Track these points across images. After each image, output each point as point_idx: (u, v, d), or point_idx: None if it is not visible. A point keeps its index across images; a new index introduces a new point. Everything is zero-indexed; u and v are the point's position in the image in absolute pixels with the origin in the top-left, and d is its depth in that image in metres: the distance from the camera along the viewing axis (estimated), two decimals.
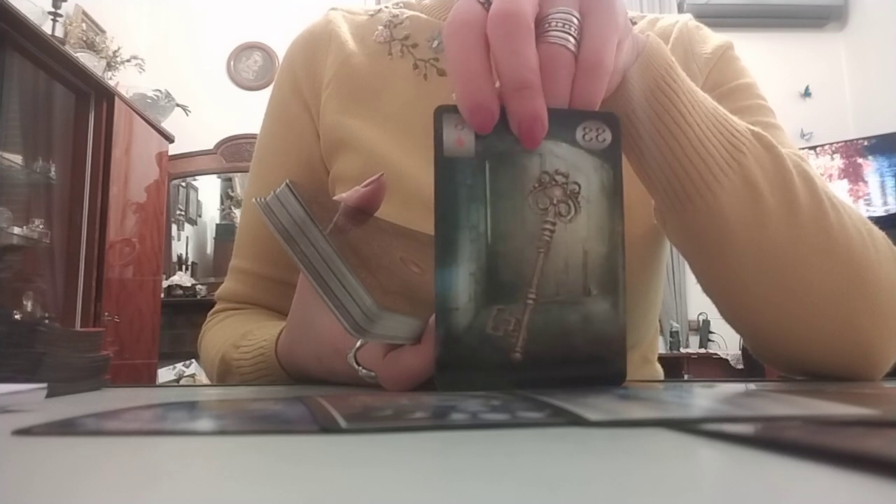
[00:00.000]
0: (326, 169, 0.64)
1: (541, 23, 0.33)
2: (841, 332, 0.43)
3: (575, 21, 0.33)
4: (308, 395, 0.30)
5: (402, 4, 0.68)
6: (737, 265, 0.43)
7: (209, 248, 4.03)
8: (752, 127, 0.43)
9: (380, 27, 0.66)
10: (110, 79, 2.93)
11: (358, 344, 0.39)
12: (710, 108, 0.42)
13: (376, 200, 0.41)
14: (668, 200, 0.43)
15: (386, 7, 0.69)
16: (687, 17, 0.67)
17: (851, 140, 3.58)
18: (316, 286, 0.33)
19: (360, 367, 0.39)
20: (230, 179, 4.06)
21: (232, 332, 0.58)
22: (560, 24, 0.33)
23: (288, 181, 0.36)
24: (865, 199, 3.46)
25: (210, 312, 0.67)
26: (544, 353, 0.33)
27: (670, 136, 0.40)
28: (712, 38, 0.64)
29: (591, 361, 0.34)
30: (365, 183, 0.41)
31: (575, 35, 0.33)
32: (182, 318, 3.41)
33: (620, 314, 0.34)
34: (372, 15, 0.68)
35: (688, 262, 0.46)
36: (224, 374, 0.56)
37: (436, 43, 0.64)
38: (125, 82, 3.09)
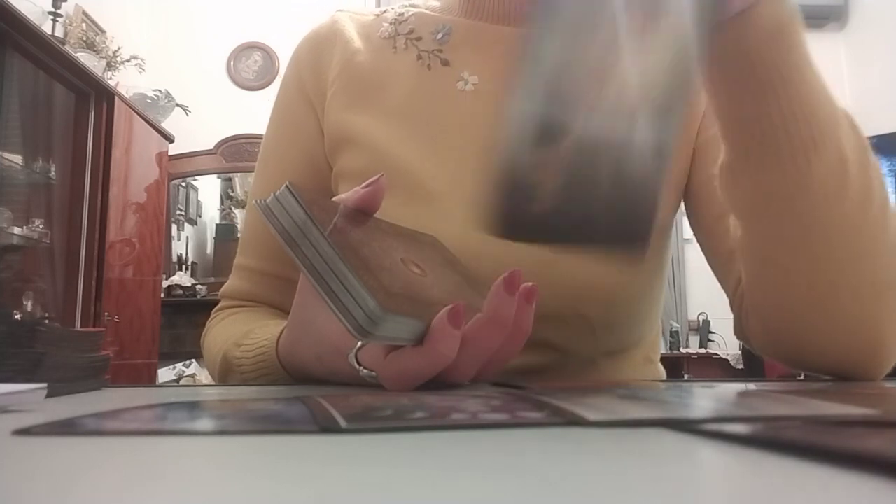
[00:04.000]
0: (330, 167, 0.64)
1: None
2: (862, 326, 0.44)
3: None
4: (308, 395, 0.30)
5: (408, 4, 0.69)
6: (800, 235, 0.43)
7: (209, 248, 4.02)
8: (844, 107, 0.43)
9: (385, 24, 0.67)
10: (110, 79, 2.93)
11: (359, 344, 0.39)
12: (818, 74, 0.41)
13: (376, 201, 0.41)
14: (754, 158, 0.42)
15: (392, 8, 0.69)
16: None
17: None
18: (318, 288, 0.33)
19: (361, 367, 0.39)
20: (230, 179, 4.06)
21: (235, 331, 0.58)
22: None
23: (288, 183, 0.36)
24: None
25: (214, 310, 0.67)
26: (572, 207, 0.32)
27: (786, 90, 0.39)
28: None
29: (617, 226, 0.33)
30: (364, 184, 0.41)
31: None
32: (182, 318, 3.41)
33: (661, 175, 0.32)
34: (378, 15, 0.69)
35: (742, 224, 0.46)
36: (226, 373, 0.56)
37: (440, 35, 0.64)
38: (125, 82, 3.09)
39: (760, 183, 0.43)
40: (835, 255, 0.42)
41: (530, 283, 0.38)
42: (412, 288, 0.37)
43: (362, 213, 0.41)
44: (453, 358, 0.36)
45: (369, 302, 0.32)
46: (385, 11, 0.69)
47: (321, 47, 0.67)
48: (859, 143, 0.42)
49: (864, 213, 0.42)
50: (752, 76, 0.40)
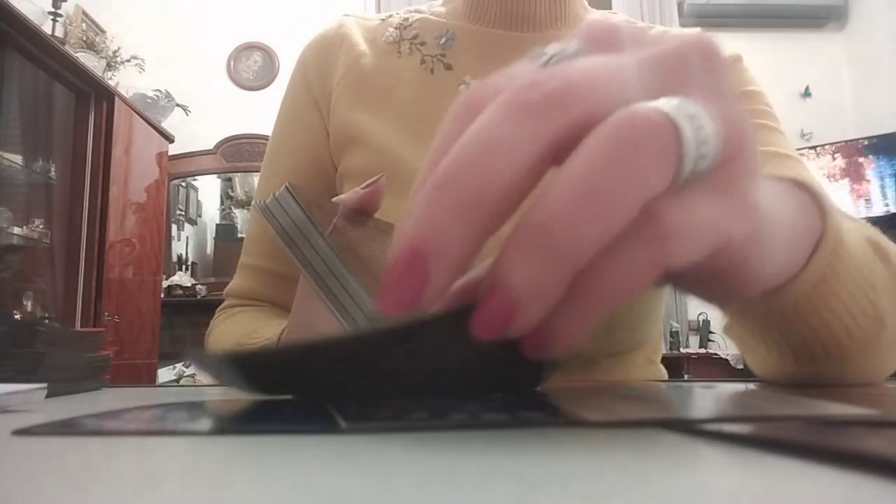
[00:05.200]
0: (335, 167, 0.65)
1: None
2: (874, 369, 0.41)
3: (702, 117, 0.20)
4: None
5: (413, 10, 0.70)
6: (827, 371, 0.38)
7: (209, 248, 4.02)
8: (867, 233, 0.38)
9: (390, 29, 0.68)
10: (110, 79, 2.93)
11: None
12: (861, 254, 0.35)
13: (375, 202, 0.41)
14: (785, 361, 0.38)
15: (397, 13, 0.70)
16: (697, 31, 0.67)
17: (851, 140, 3.58)
18: (317, 289, 0.33)
19: None
20: (230, 179, 4.06)
21: (238, 330, 0.58)
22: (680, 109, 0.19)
23: (287, 184, 0.36)
24: (866, 200, 3.46)
25: (218, 309, 0.68)
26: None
27: (817, 319, 0.34)
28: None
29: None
30: (364, 185, 0.41)
31: (712, 147, 0.20)
32: (182, 318, 3.41)
33: None
34: (383, 20, 0.70)
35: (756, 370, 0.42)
36: None
37: (443, 40, 0.65)
38: (125, 82, 3.09)
39: (782, 372, 0.39)
40: (854, 369, 0.38)
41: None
42: None
43: (362, 213, 0.41)
44: None
45: (368, 303, 0.32)
46: (390, 16, 0.70)
47: (327, 50, 0.68)
48: (892, 280, 0.37)
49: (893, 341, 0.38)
50: (789, 326, 0.35)
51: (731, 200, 0.20)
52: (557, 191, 0.18)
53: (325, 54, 0.68)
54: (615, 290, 0.20)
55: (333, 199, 0.41)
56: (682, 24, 3.44)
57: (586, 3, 0.71)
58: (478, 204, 0.18)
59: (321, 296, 0.33)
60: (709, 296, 0.26)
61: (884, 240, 0.40)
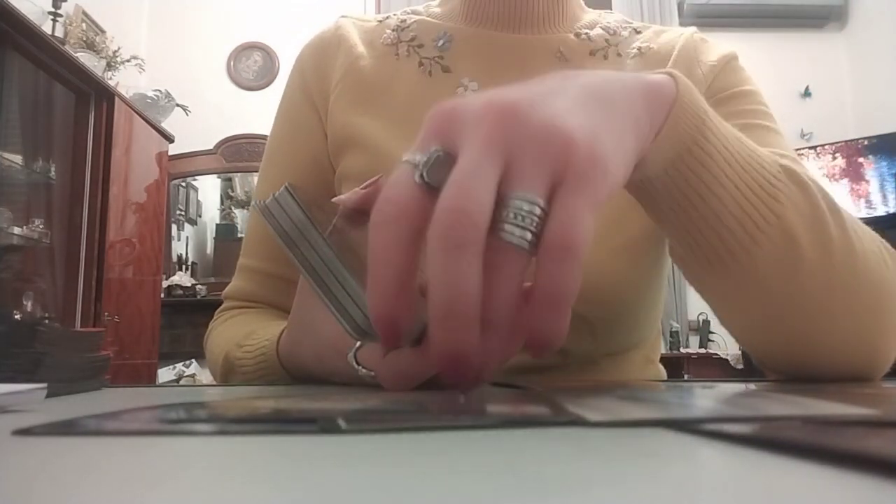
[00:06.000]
0: (333, 169, 0.65)
1: (498, 208, 0.26)
2: (853, 346, 0.44)
3: (537, 211, 0.26)
4: (308, 394, 0.30)
5: (410, 11, 0.70)
6: (767, 314, 0.42)
7: (209, 248, 4.02)
8: (780, 160, 0.41)
9: (388, 31, 0.68)
10: (110, 79, 2.93)
11: (358, 344, 0.40)
12: (745, 156, 0.38)
13: (374, 202, 0.41)
14: (698, 264, 0.41)
15: (394, 14, 0.70)
16: (692, 30, 0.68)
17: (851, 140, 3.58)
18: (317, 289, 0.33)
19: (360, 367, 0.39)
20: (230, 179, 4.06)
21: (237, 331, 0.58)
22: (517, 216, 0.26)
23: (287, 184, 0.36)
24: (866, 200, 3.46)
25: (217, 311, 0.68)
26: None
27: (703, 204, 0.37)
28: (717, 49, 0.65)
29: None
30: (363, 185, 0.41)
31: (534, 229, 0.26)
32: (182, 318, 3.40)
33: None
34: (381, 21, 0.70)
35: (712, 309, 0.45)
36: (227, 373, 0.57)
37: (441, 42, 0.65)
38: (125, 82, 3.09)
39: (715, 281, 0.42)
40: (804, 315, 0.42)
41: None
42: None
43: (361, 213, 0.41)
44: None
45: (367, 304, 0.32)
46: (387, 17, 0.70)
47: (325, 52, 0.68)
48: (809, 203, 0.40)
49: (828, 269, 0.40)
50: (667, 207, 0.38)
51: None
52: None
53: (323, 56, 0.67)
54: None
55: (333, 200, 0.41)
56: (682, 24, 3.43)
57: (583, 3, 0.71)
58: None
59: (321, 296, 0.33)
60: None
61: (805, 172, 0.42)
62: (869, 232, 0.46)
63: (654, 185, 0.37)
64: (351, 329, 0.33)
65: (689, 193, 0.37)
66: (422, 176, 0.28)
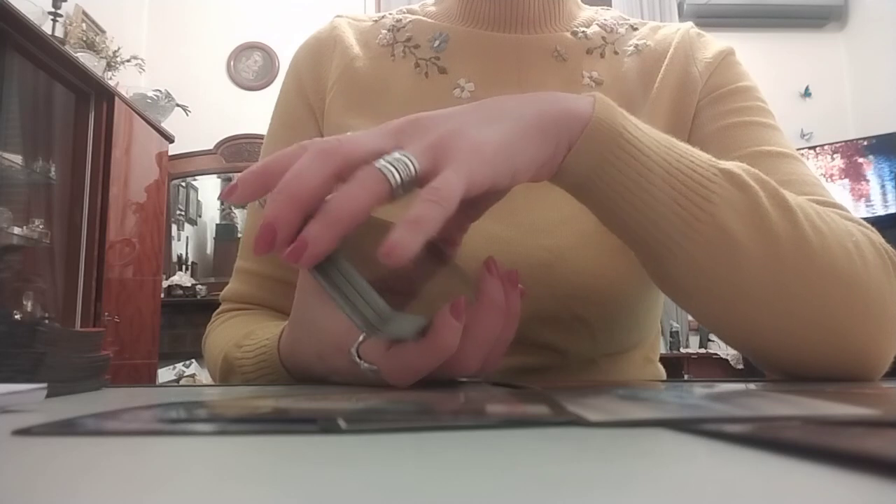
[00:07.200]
0: None
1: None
2: (835, 343, 0.44)
3: (409, 164, 0.32)
4: (308, 394, 0.30)
5: (405, 10, 0.69)
6: (722, 305, 0.43)
7: (209, 248, 4.02)
8: (723, 166, 0.42)
9: (383, 31, 0.67)
10: (110, 79, 2.93)
11: (361, 338, 0.40)
12: (674, 162, 0.41)
13: None
14: (643, 256, 0.44)
15: (390, 13, 0.70)
16: (689, 25, 0.67)
17: (851, 140, 3.58)
18: (326, 286, 0.34)
19: (363, 362, 0.40)
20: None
21: (235, 332, 0.58)
22: (390, 160, 0.32)
23: None
24: (866, 200, 3.46)
25: (215, 313, 0.67)
26: None
27: (630, 205, 0.40)
28: (714, 45, 0.65)
29: None
30: None
31: (401, 173, 0.32)
32: (182, 318, 3.40)
33: None
34: (376, 21, 0.69)
35: (676, 304, 0.47)
36: (227, 374, 0.56)
37: (437, 43, 0.65)
38: (125, 82, 3.09)
39: (662, 272, 0.44)
40: (759, 308, 0.43)
41: (513, 270, 0.42)
42: (413, 284, 0.37)
43: None
44: (454, 350, 0.37)
45: (378, 301, 0.32)
46: (383, 17, 0.70)
47: (321, 52, 0.67)
48: (748, 203, 0.42)
49: (775, 262, 0.41)
50: (602, 208, 0.42)
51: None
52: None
53: (319, 56, 0.67)
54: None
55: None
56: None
57: (580, 1, 0.70)
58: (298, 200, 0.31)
59: (330, 293, 0.34)
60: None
61: (754, 173, 0.44)
62: (844, 230, 0.45)
63: (587, 189, 0.41)
64: (362, 324, 0.33)
65: (616, 197, 0.40)
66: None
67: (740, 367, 3.26)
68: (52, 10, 2.75)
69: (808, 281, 0.42)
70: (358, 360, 0.40)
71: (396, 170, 0.32)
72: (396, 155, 0.32)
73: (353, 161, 0.32)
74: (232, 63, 3.89)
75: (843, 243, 0.44)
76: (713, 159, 0.43)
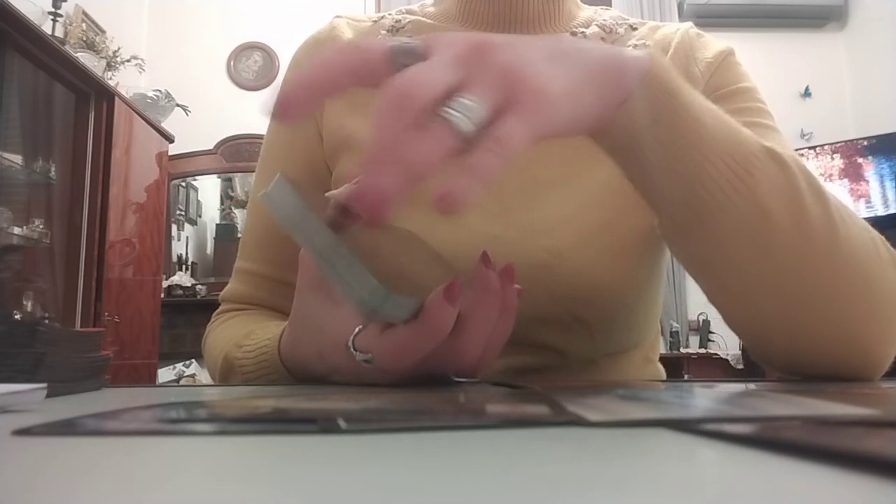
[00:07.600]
0: (329, 171, 0.65)
1: (445, 102, 0.30)
2: (844, 337, 0.44)
3: (478, 109, 0.30)
4: (308, 394, 0.30)
5: (405, 11, 0.69)
6: (743, 284, 0.43)
7: (209, 248, 4.02)
8: (767, 144, 0.42)
9: (383, 31, 0.67)
10: (110, 79, 2.93)
11: (357, 330, 0.40)
12: (722, 131, 0.41)
13: (363, 199, 0.41)
14: (672, 224, 0.43)
15: (389, 14, 0.70)
16: (688, 25, 0.67)
17: (851, 140, 3.58)
18: (326, 268, 0.35)
19: (358, 353, 0.40)
20: (230, 179, 4.06)
21: (235, 332, 0.58)
22: (459, 106, 0.30)
23: (280, 173, 0.37)
24: (866, 200, 3.46)
25: (214, 313, 0.67)
26: None
27: (672, 170, 0.40)
28: (714, 45, 0.65)
29: None
30: (355, 181, 0.41)
31: (472, 119, 0.30)
32: (182, 318, 3.40)
33: None
34: (375, 21, 0.69)
35: (693, 278, 0.46)
36: (227, 374, 0.56)
37: None
38: (125, 82, 3.09)
39: (689, 243, 0.43)
40: (781, 290, 0.42)
41: (509, 264, 0.41)
42: (404, 274, 0.39)
43: (350, 210, 0.41)
44: (447, 332, 0.37)
45: (373, 282, 0.34)
46: (382, 17, 0.69)
47: (320, 52, 0.67)
48: (787, 181, 0.41)
49: (805, 245, 0.41)
50: (643, 165, 0.41)
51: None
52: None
53: (318, 56, 0.67)
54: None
55: (326, 194, 0.41)
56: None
57: (579, 1, 0.70)
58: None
59: (329, 275, 0.35)
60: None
61: (793, 157, 0.43)
62: (863, 225, 0.46)
63: (631, 150, 0.40)
64: (361, 306, 0.34)
65: (664, 154, 0.39)
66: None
67: (740, 367, 3.26)
68: (52, 10, 2.75)
69: (832, 268, 0.42)
70: (353, 351, 0.40)
71: (469, 119, 0.30)
72: (466, 102, 0.30)
73: (428, 106, 0.30)
74: (232, 63, 3.89)
75: (864, 236, 0.45)
76: (755, 136, 0.43)
